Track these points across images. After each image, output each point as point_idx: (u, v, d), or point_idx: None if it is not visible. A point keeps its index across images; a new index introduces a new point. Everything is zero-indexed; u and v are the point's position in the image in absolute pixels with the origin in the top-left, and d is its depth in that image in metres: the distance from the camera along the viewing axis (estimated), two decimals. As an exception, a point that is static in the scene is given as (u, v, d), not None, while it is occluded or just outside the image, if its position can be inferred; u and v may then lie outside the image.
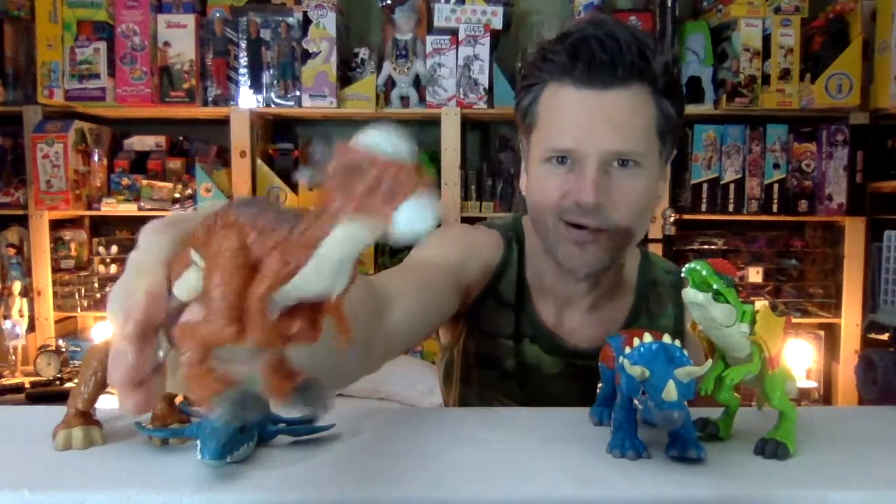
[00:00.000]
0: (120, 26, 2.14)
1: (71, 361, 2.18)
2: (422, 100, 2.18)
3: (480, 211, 2.22)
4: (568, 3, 2.27)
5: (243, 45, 2.17)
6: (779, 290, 2.33)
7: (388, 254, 2.36)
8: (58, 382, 2.12)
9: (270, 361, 0.35)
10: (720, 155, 2.23)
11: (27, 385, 2.09)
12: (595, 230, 0.82)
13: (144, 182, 2.23)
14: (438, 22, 2.16)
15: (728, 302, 0.56)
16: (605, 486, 0.54)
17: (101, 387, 0.62)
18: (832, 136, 2.20)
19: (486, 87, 2.16)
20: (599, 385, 0.71)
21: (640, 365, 0.54)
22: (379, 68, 2.20)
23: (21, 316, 2.21)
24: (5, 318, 2.20)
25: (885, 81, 2.07)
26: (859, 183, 2.20)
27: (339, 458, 0.59)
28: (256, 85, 2.18)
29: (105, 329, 2.18)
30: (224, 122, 2.20)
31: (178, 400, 0.65)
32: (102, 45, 2.14)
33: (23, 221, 2.25)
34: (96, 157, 2.26)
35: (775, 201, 2.24)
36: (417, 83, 2.19)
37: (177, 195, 2.22)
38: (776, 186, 2.24)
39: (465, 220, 2.17)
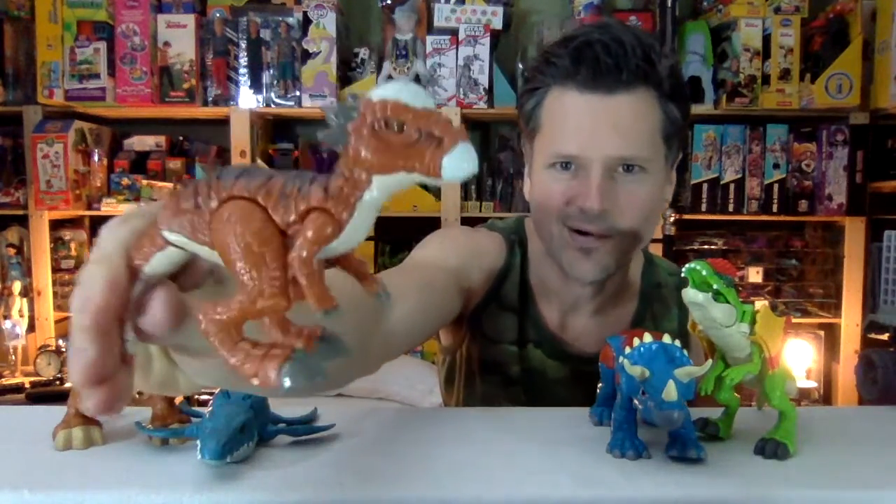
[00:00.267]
0: (120, 26, 2.14)
1: (71, 361, 2.18)
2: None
3: (480, 211, 2.22)
4: (568, 3, 2.27)
5: (243, 45, 2.17)
6: (779, 290, 2.33)
7: (388, 254, 2.36)
8: (58, 382, 2.12)
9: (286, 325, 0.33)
10: (720, 155, 2.23)
11: (27, 385, 2.09)
12: (600, 236, 0.81)
13: (144, 182, 2.22)
14: (438, 22, 2.16)
15: (728, 302, 0.56)
16: (605, 486, 0.54)
17: (101, 387, 0.62)
18: (832, 136, 2.20)
19: (486, 87, 2.16)
20: (599, 385, 0.71)
21: (640, 365, 0.54)
22: (379, 68, 2.20)
23: (21, 316, 2.21)
24: (5, 318, 2.20)
25: (885, 81, 2.07)
26: (859, 183, 2.20)
27: (339, 458, 0.59)
28: (256, 85, 2.18)
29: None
30: (224, 122, 2.20)
31: (179, 400, 0.65)
32: (102, 45, 2.14)
33: (23, 221, 2.25)
34: (96, 157, 2.26)
35: (775, 201, 2.24)
36: (417, 83, 2.18)
37: (177, 195, 2.22)
38: (776, 186, 2.24)
39: (465, 220, 2.17)
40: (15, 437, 0.62)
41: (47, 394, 2.06)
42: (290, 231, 0.31)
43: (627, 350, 0.57)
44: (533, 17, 2.38)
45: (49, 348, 2.16)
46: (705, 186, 2.23)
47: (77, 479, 0.54)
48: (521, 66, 2.22)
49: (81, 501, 0.51)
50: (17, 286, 2.21)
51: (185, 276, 0.35)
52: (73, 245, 2.32)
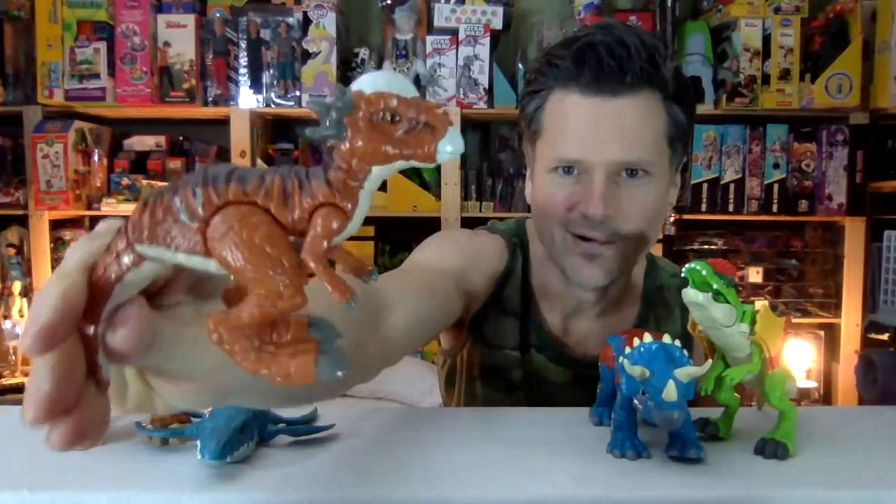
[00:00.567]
0: (120, 26, 2.14)
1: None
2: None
3: (480, 211, 2.21)
4: (568, 3, 2.27)
5: (243, 45, 2.17)
6: (779, 290, 2.33)
7: (387, 254, 2.36)
8: (58, 382, 2.12)
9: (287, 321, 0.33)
10: (720, 155, 2.23)
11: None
12: (603, 242, 0.80)
13: (144, 182, 2.22)
14: (438, 22, 2.16)
15: (728, 302, 0.56)
16: (605, 486, 0.54)
17: (101, 387, 0.62)
18: (832, 136, 2.20)
19: (486, 87, 2.16)
20: (599, 385, 0.71)
21: (640, 365, 0.54)
22: (379, 68, 2.19)
23: (21, 316, 2.21)
24: (5, 318, 2.20)
25: (885, 81, 2.07)
26: (859, 183, 2.20)
27: (339, 458, 0.59)
28: (256, 85, 2.18)
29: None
30: (224, 122, 2.20)
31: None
32: (102, 45, 2.13)
33: (23, 221, 2.25)
34: (96, 157, 2.26)
35: (775, 201, 2.24)
36: (417, 83, 2.19)
37: (177, 195, 2.22)
38: (776, 186, 2.24)
39: (464, 220, 2.17)
40: (15, 437, 0.62)
41: (47, 394, 2.06)
42: (297, 228, 0.31)
43: (627, 350, 0.57)
44: (533, 17, 2.38)
45: (49, 348, 2.15)
46: (705, 186, 2.23)
47: (77, 479, 0.54)
48: (521, 66, 2.22)
49: (81, 501, 0.51)
50: (17, 286, 2.21)
51: (163, 294, 0.33)
52: (72, 245, 2.31)
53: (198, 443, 0.55)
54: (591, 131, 0.78)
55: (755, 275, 2.30)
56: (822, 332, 2.34)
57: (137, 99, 2.15)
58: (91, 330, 0.30)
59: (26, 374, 2.15)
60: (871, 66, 2.13)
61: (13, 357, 2.20)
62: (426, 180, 2.23)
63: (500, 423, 0.68)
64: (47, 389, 0.28)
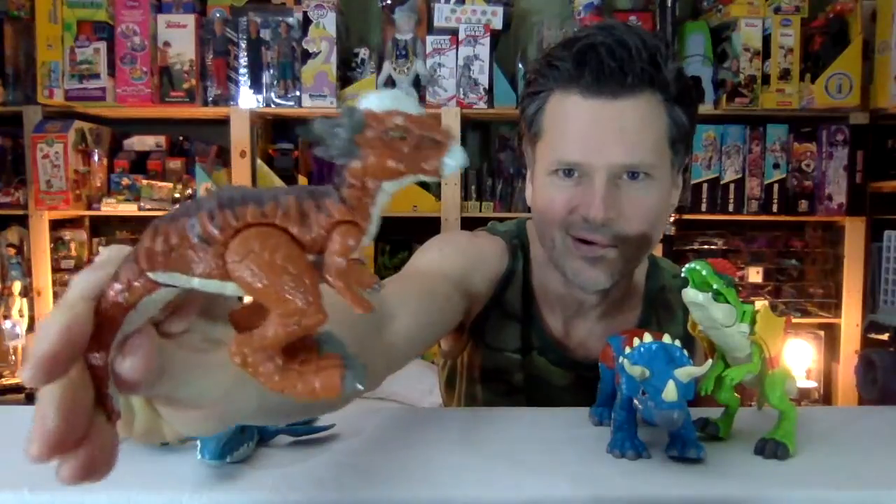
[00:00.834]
0: (120, 26, 2.14)
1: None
2: (422, 100, 2.18)
3: (480, 211, 2.21)
4: (568, 3, 2.27)
5: (243, 45, 2.17)
6: (779, 290, 2.33)
7: (387, 254, 2.36)
8: (58, 382, 2.12)
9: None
10: (720, 155, 2.23)
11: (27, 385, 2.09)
12: (605, 245, 0.79)
13: (144, 182, 2.22)
14: (438, 22, 2.16)
15: (728, 302, 0.56)
16: (605, 486, 0.54)
17: (101, 387, 0.62)
18: (832, 136, 2.20)
19: (486, 87, 2.16)
20: (599, 385, 0.71)
21: (640, 365, 0.54)
22: (379, 68, 2.20)
23: (21, 316, 2.21)
24: (5, 318, 2.20)
25: (885, 81, 2.07)
26: (859, 183, 2.20)
27: (339, 458, 0.59)
28: (256, 85, 2.18)
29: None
30: (224, 122, 2.20)
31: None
32: (102, 45, 2.13)
33: (23, 221, 2.25)
34: (96, 157, 2.26)
35: (775, 201, 2.24)
36: (417, 83, 2.19)
37: (177, 195, 2.22)
38: (776, 186, 2.24)
39: (464, 220, 2.17)
40: (15, 437, 0.62)
41: (47, 394, 2.06)
42: (315, 247, 0.31)
43: (627, 350, 0.57)
44: (533, 17, 2.38)
45: (49, 348, 2.15)
46: (705, 186, 2.23)
47: (77, 479, 0.54)
48: (521, 66, 2.22)
49: (81, 501, 0.51)
50: (17, 286, 2.21)
51: (170, 321, 0.33)
52: (73, 245, 2.32)
53: (198, 443, 0.55)
54: (591, 133, 0.77)
55: (755, 275, 2.30)
56: (822, 332, 2.34)
57: (137, 99, 2.15)
58: (100, 360, 0.30)
59: (26, 374, 2.15)
60: (871, 66, 2.13)
61: (13, 357, 2.20)
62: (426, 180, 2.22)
63: (500, 424, 0.68)
64: (54, 423, 0.27)
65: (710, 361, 0.59)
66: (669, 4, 2.16)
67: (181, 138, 2.39)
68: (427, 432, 0.66)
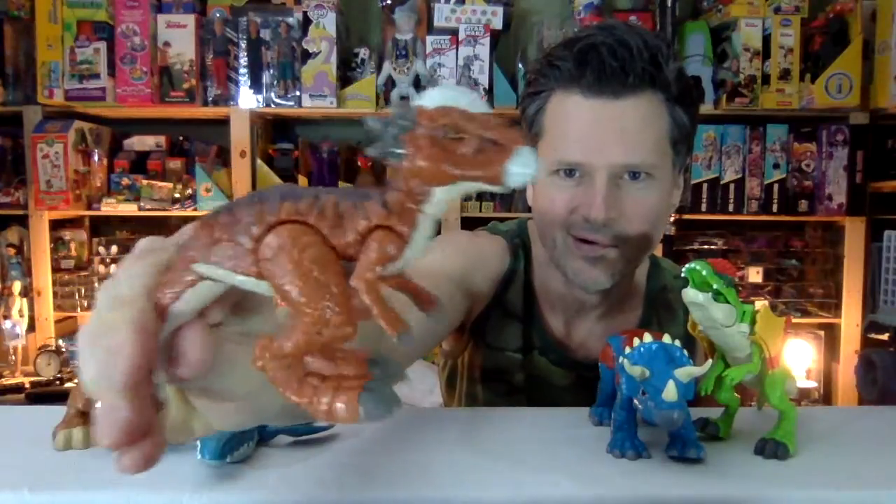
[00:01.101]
0: (120, 26, 2.14)
1: (71, 361, 2.18)
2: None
3: (480, 211, 2.21)
4: (568, 3, 2.27)
5: (243, 45, 2.17)
6: (779, 290, 2.33)
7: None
8: (58, 382, 2.12)
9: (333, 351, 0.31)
10: (720, 155, 2.23)
11: (27, 385, 2.09)
12: (606, 245, 0.79)
13: (144, 182, 2.22)
14: (438, 22, 2.16)
15: (728, 302, 0.56)
16: (605, 486, 0.54)
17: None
18: (832, 136, 2.20)
19: (486, 87, 2.16)
20: (599, 385, 0.71)
21: (640, 365, 0.54)
22: (379, 68, 2.20)
23: (21, 316, 2.20)
24: (5, 318, 2.19)
25: (885, 81, 2.07)
26: (859, 183, 2.20)
27: (339, 458, 0.59)
28: (256, 85, 2.18)
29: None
30: (224, 122, 2.20)
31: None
32: (102, 45, 2.13)
33: (23, 221, 2.25)
34: (96, 157, 2.26)
35: (775, 201, 2.24)
36: (417, 83, 2.19)
37: (177, 195, 2.22)
38: (776, 186, 2.24)
39: (464, 220, 2.17)
40: (15, 437, 0.62)
41: (47, 394, 2.06)
42: (349, 252, 0.29)
43: (627, 350, 0.57)
44: (533, 17, 2.38)
45: (49, 348, 2.16)
46: (705, 186, 2.23)
47: (77, 479, 0.54)
48: (521, 66, 2.22)
49: (81, 501, 0.51)
50: (17, 286, 2.21)
51: (206, 313, 0.32)
52: (73, 245, 2.32)
53: (198, 443, 0.55)
54: (592, 133, 0.77)
55: (755, 275, 2.30)
56: (822, 332, 2.34)
57: (137, 99, 2.15)
58: None
59: (26, 374, 2.15)
60: (871, 66, 2.13)
61: (13, 357, 2.20)
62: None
63: (500, 424, 0.68)
64: (127, 415, 0.27)
65: (710, 361, 0.59)
66: (669, 4, 2.16)
67: (181, 138, 2.39)
68: (427, 432, 0.66)
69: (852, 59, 2.12)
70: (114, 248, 2.34)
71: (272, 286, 0.29)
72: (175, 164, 2.30)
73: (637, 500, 0.53)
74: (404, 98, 2.17)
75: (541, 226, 0.86)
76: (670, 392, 0.52)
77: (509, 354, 0.91)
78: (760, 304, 0.66)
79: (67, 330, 2.35)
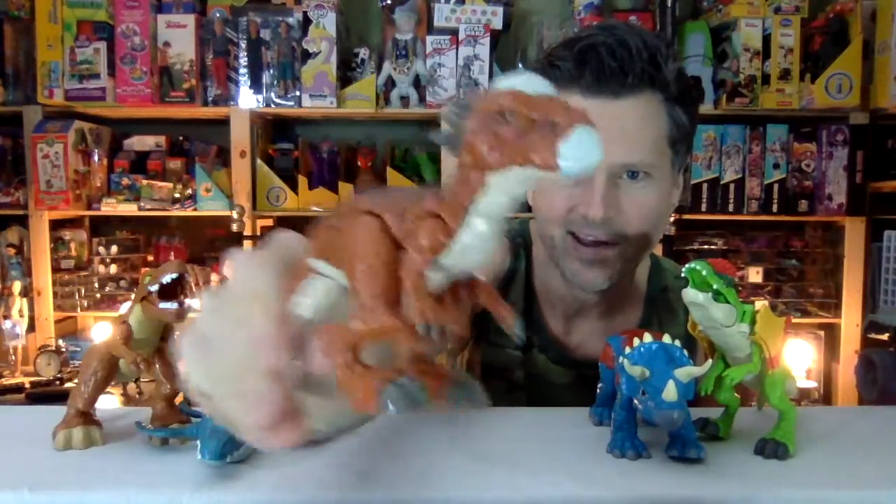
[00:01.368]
0: (120, 26, 2.14)
1: (71, 361, 2.18)
2: (422, 100, 2.18)
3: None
4: (568, 3, 2.27)
5: (243, 45, 2.17)
6: (779, 290, 2.33)
7: (388, 254, 2.36)
8: (58, 382, 2.12)
9: (416, 359, 0.32)
10: (720, 155, 2.23)
11: (27, 385, 2.09)
12: (605, 245, 0.79)
13: (144, 182, 2.22)
14: (438, 22, 2.16)
15: (728, 302, 0.56)
16: (605, 486, 0.54)
17: (101, 387, 0.62)
18: (832, 136, 2.20)
19: (487, 87, 2.16)
20: (599, 385, 0.71)
21: (640, 365, 0.54)
22: (379, 68, 2.20)
23: (21, 316, 2.20)
24: (5, 318, 2.19)
25: (885, 81, 2.07)
26: (859, 183, 2.20)
27: (339, 458, 0.59)
28: (256, 85, 2.18)
29: (103, 331, 2.18)
30: (224, 122, 2.20)
31: (179, 400, 0.65)
32: (102, 45, 2.13)
33: (23, 221, 2.25)
34: (96, 157, 2.26)
35: (775, 201, 2.24)
36: (417, 83, 2.19)
37: (177, 195, 2.22)
38: (776, 186, 2.23)
39: (465, 220, 2.17)
40: (15, 437, 0.62)
41: (47, 394, 2.06)
42: (405, 243, 0.29)
43: (627, 350, 0.57)
44: (533, 17, 2.38)
45: (49, 348, 2.15)
46: (705, 186, 2.23)
47: (77, 479, 0.54)
48: (521, 66, 2.22)
49: (81, 501, 0.51)
50: (17, 286, 2.21)
51: None
52: (73, 245, 2.32)
53: (198, 443, 0.55)
54: None
55: (755, 275, 2.30)
56: (822, 332, 2.34)
57: (137, 99, 2.15)
58: None
59: (26, 374, 2.15)
60: (871, 66, 2.13)
61: (13, 357, 2.20)
62: (426, 180, 2.23)
63: (500, 423, 0.68)
64: (274, 398, 0.31)
65: (710, 361, 0.59)
66: (669, 4, 2.16)
67: (181, 138, 2.39)
68: (427, 432, 0.66)
69: (852, 59, 2.12)
70: (114, 248, 2.34)
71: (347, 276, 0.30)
72: (175, 164, 2.30)
73: (637, 500, 0.53)
74: (404, 98, 2.18)
75: (540, 225, 0.86)
76: (670, 392, 0.52)
77: (509, 351, 0.92)
78: (760, 304, 0.66)
79: (67, 330, 2.35)
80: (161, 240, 2.38)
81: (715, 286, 0.55)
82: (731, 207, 2.23)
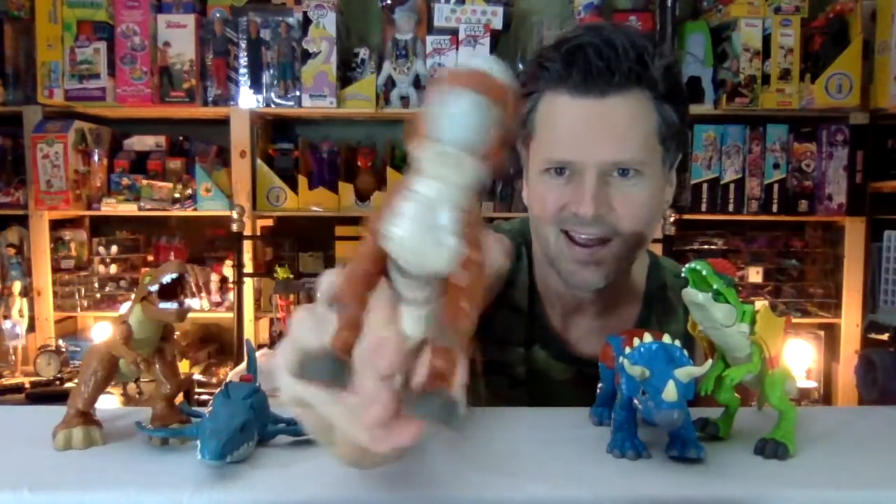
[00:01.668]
0: (120, 26, 2.14)
1: (71, 361, 2.18)
2: (422, 100, 2.18)
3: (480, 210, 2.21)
4: (568, 3, 2.27)
5: (243, 45, 2.17)
6: (779, 290, 2.33)
7: (388, 254, 2.36)
8: (58, 382, 2.12)
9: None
10: (720, 155, 2.23)
11: (27, 385, 2.09)
12: (597, 243, 0.80)
13: (144, 182, 2.22)
14: (438, 22, 2.16)
15: (728, 302, 0.56)
16: (605, 486, 0.54)
17: (101, 387, 0.62)
18: (832, 136, 2.20)
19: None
20: (599, 385, 0.71)
21: (640, 365, 0.54)
22: (379, 68, 2.20)
23: (21, 316, 2.20)
24: (5, 318, 2.19)
25: (885, 81, 2.07)
26: (859, 183, 2.20)
27: (339, 458, 0.59)
28: (256, 85, 2.18)
29: (103, 331, 2.18)
30: (224, 122, 2.20)
31: (179, 400, 0.65)
32: (102, 45, 2.13)
33: (23, 221, 2.25)
34: (96, 157, 2.26)
35: (775, 201, 2.24)
36: (417, 83, 2.19)
37: (177, 195, 2.22)
38: (776, 186, 2.24)
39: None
40: (15, 437, 0.62)
41: (47, 394, 2.06)
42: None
43: (627, 350, 0.57)
44: (533, 17, 2.38)
45: (49, 348, 2.15)
46: (705, 186, 2.23)
47: (77, 479, 0.54)
48: (521, 66, 2.22)
49: (81, 501, 0.51)
50: (17, 286, 2.21)
51: None
52: (73, 245, 2.32)
53: (198, 443, 0.55)
54: (581, 132, 0.78)
55: (755, 275, 2.30)
56: (822, 332, 2.34)
57: (137, 99, 2.15)
58: None
59: (26, 374, 2.15)
60: (871, 66, 2.13)
61: (13, 357, 2.20)
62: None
63: (500, 423, 0.68)
64: (388, 400, 0.33)
65: (710, 361, 0.59)
66: (669, 4, 2.16)
67: (181, 138, 2.39)
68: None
69: (852, 59, 2.12)
70: (114, 248, 2.34)
71: None
72: (175, 164, 2.30)
73: (637, 500, 0.53)
74: (404, 98, 2.17)
75: (534, 223, 0.88)
76: (670, 392, 0.52)
77: (512, 347, 0.93)
78: (760, 304, 0.66)
79: (67, 330, 2.35)
80: (161, 240, 2.38)
81: (715, 286, 0.55)
82: (731, 207, 2.23)
